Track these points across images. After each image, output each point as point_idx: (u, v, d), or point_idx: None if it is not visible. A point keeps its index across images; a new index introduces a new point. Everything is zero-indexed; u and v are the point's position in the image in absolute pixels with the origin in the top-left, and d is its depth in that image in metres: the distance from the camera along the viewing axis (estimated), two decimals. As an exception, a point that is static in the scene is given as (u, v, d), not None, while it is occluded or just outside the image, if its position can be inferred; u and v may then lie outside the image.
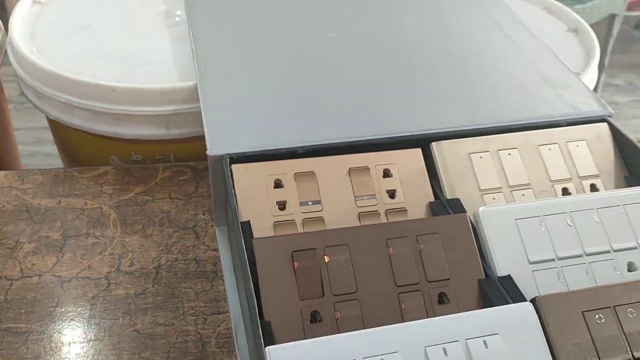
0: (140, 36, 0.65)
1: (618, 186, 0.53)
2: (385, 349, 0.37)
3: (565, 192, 0.52)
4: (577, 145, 0.54)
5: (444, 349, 0.37)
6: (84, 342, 0.44)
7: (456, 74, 0.60)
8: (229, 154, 0.49)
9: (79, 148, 0.66)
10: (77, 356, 0.43)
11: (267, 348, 0.36)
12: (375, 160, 0.51)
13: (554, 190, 0.52)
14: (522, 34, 0.67)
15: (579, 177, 0.53)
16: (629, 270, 0.46)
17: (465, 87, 0.58)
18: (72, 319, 0.46)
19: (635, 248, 0.46)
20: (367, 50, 0.63)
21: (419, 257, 0.44)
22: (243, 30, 0.64)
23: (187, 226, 0.54)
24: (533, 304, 0.39)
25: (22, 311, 0.46)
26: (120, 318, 0.46)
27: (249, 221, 0.46)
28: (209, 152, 0.49)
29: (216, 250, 0.52)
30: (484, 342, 0.37)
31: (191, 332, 0.46)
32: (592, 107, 0.57)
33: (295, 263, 0.42)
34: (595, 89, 0.61)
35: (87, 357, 0.43)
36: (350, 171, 0.50)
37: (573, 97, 0.58)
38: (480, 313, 0.39)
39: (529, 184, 0.52)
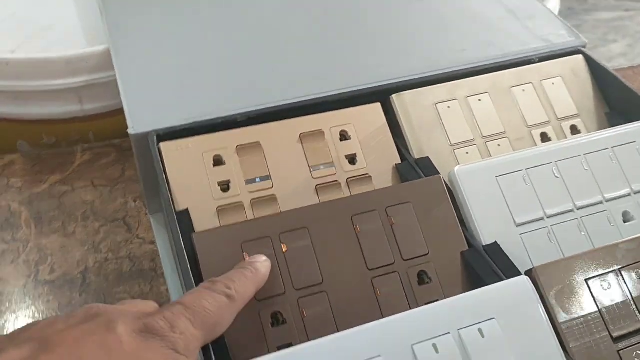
0: (32, -4, 0.55)
1: (600, 124, 0.48)
2: (365, 354, 0.30)
3: (545, 137, 0.46)
4: (553, 83, 0.48)
5: (434, 345, 0.31)
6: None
7: (413, 18, 0.53)
8: (155, 131, 0.41)
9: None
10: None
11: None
12: (329, 121, 0.44)
13: (532, 136, 0.46)
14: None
15: (558, 119, 0.47)
16: (625, 221, 0.40)
17: (424, 31, 0.51)
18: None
19: (629, 195, 0.41)
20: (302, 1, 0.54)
21: (391, 233, 0.37)
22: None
23: (116, 218, 0.46)
24: (529, 276, 0.34)
25: None
26: (44, 339, 0.38)
27: (187, 209, 0.39)
28: (130, 131, 0.41)
29: (153, 243, 0.44)
30: (480, 330, 0.32)
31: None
32: (564, 38, 0.51)
33: (246, 256, 0.35)
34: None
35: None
36: (302, 137, 0.43)
37: (542, 28, 0.52)
38: (471, 296, 0.33)
39: (504, 133, 0.46)
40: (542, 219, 0.39)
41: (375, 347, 0.31)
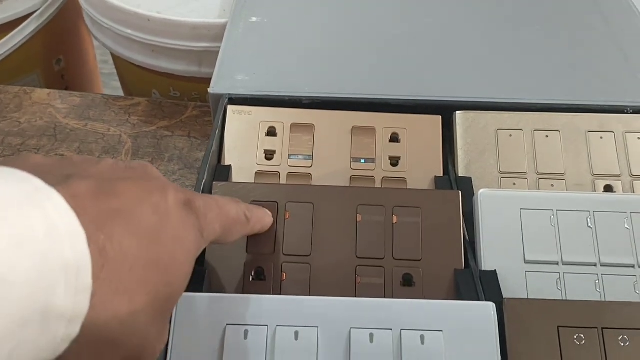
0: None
1: (682, 194, 0.43)
2: (304, 320, 0.33)
3: (609, 190, 0.43)
4: (639, 138, 0.45)
5: (371, 335, 0.32)
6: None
7: (515, 42, 0.52)
8: (229, 94, 0.47)
9: (127, 78, 0.67)
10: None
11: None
12: (384, 121, 0.46)
13: (594, 185, 0.43)
14: (622, 11, 0.56)
15: (632, 176, 0.44)
16: (655, 293, 0.37)
17: (519, 58, 0.50)
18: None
19: (671, 268, 0.37)
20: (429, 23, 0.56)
21: (391, 230, 0.38)
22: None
23: (194, 166, 0.53)
24: (497, 306, 0.33)
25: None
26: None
27: (229, 165, 0.44)
28: (210, 90, 0.47)
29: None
30: (422, 336, 0.32)
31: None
32: (674, 97, 0.47)
33: (251, 213, 0.38)
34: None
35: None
36: (353, 129, 0.45)
37: (653, 82, 0.48)
38: (428, 304, 0.33)
39: (562, 174, 0.44)
40: (556, 263, 0.38)
41: (317, 318, 0.33)
